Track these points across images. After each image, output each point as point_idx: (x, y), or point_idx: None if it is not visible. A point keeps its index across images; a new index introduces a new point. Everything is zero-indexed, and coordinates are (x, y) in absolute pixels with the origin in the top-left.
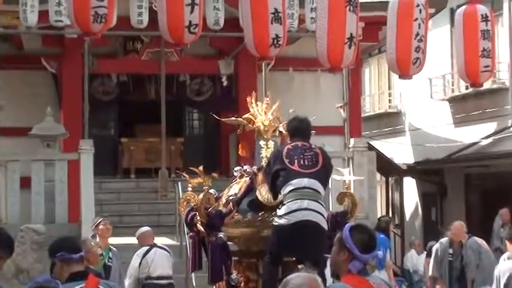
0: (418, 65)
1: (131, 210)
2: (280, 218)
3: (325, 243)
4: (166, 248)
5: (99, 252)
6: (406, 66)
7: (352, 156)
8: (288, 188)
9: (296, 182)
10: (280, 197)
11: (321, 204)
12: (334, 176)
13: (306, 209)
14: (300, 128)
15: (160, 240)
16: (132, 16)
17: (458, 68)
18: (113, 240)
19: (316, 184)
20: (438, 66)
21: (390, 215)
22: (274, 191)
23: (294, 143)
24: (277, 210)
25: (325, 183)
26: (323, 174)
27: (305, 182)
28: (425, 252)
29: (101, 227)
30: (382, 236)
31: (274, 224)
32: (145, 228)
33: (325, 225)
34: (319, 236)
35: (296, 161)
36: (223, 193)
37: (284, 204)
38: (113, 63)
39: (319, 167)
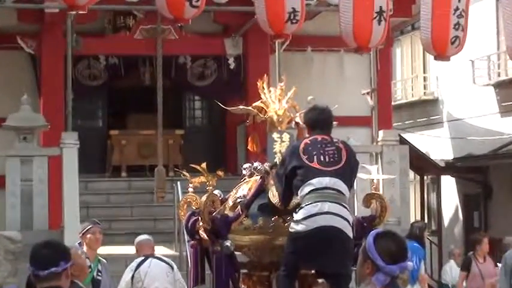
0: (457, 45)
1: (122, 214)
2: (298, 223)
3: (350, 253)
4: (166, 259)
5: (87, 264)
6: (443, 45)
7: (381, 151)
8: (307, 188)
9: (316, 182)
10: (296, 199)
11: (345, 208)
12: (360, 175)
13: (327, 212)
14: (319, 120)
15: (157, 250)
16: None
17: (507, 47)
18: (101, 250)
19: (339, 184)
20: (482, 45)
21: (425, 220)
22: (288, 195)
23: (312, 137)
24: (294, 214)
25: (349, 183)
26: (347, 172)
27: (326, 181)
28: None
29: (89, 235)
30: (415, 244)
31: (290, 230)
32: (143, 237)
33: (350, 232)
34: (343, 245)
35: (316, 157)
36: (230, 194)
37: (302, 208)
38: (101, 43)
39: (342, 163)
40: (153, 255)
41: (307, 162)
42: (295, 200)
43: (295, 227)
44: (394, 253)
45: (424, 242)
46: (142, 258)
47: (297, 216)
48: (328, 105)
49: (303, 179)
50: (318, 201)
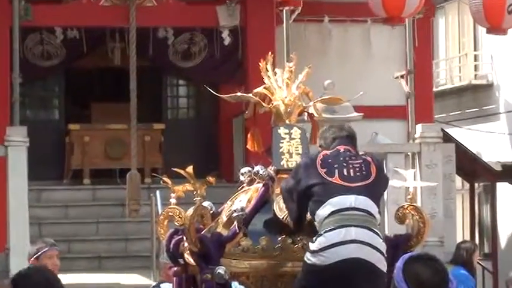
0: None
1: (85, 233)
2: (315, 254)
3: None
4: None
5: None
6: (498, 15)
7: (420, 151)
8: (326, 209)
9: (338, 201)
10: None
11: (377, 234)
12: (392, 182)
13: (353, 241)
14: (340, 134)
15: (130, 279)
16: None
17: None
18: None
19: (368, 203)
20: None
21: (476, 240)
22: (301, 215)
23: (333, 149)
24: (310, 243)
25: (379, 204)
26: (377, 189)
27: (351, 200)
28: None
29: (42, 260)
30: (462, 271)
31: (307, 262)
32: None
33: (383, 266)
34: (374, 284)
35: (337, 171)
36: (223, 207)
37: (321, 235)
38: (57, 12)
39: (372, 179)
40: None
41: (326, 177)
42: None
43: (311, 259)
44: (425, 282)
45: (473, 268)
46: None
47: (314, 245)
48: (347, 123)
49: (321, 198)
50: (342, 226)
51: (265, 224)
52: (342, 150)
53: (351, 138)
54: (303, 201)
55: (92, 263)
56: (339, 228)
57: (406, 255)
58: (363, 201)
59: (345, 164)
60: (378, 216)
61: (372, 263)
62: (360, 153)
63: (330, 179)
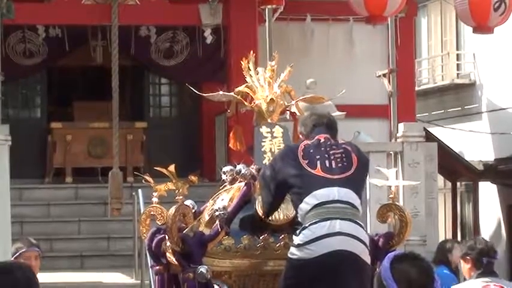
0: (502, 12)
1: (67, 231)
2: (300, 248)
3: (367, 284)
4: None
5: None
6: (483, 14)
7: (402, 150)
8: (310, 202)
9: (321, 194)
10: (293, 213)
11: (361, 226)
12: (373, 181)
13: (338, 233)
14: (321, 121)
15: (112, 277)
16: None
17: None
18: (39, 279)
19: (351, 195)
20: None
21: (459, 238)
22: (275, 204)
23: (313, 139)
24: (294, 236)
25: (361, 195)
26: (359, 180)
27: (334, 192)
28: None
29: (22, 260)
30: (445, 271)
31: (291, 257)
32: None
33: (367, 258)
34: (359, 275)
35: (319, 162)
36: (205, 206)
37: (305, 228)
38: (39, 10)
39: (353, 169)
40: None
41: (308, 168)
42: (288, 213)
43: (296, 253)
44: (414, 281)
45: (455, 267)
46: None
47: (299, 239)
48: (329, 112)
49: (303, 191)
50: (326, 219)
51: (247, 223)
52: (322, 139)
53: (330, 126)
54: (281, 190)
55: (74, 262)
56: (323, 220)
57: (391, 255)
58: (346, 194)
59: (326, 155)
60: (360, 208)
61: (357, 255)
62: (340, 141)
63: (312, 171)
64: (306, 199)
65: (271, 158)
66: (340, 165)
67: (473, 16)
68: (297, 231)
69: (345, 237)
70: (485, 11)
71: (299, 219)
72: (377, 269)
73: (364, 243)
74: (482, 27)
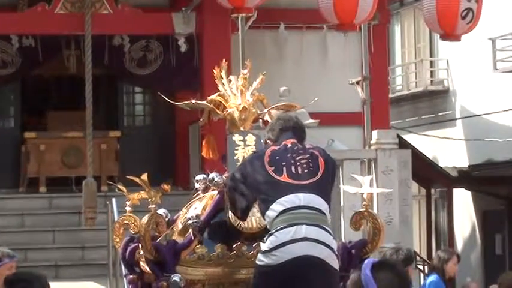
0: (470, 20)
1: (41, 241)
2: (266, 254)
3: None
4: None
5: None
6: (451, 21)
7: (376, 157)
8: (276, 209)
9: (287, 200)
10: (260, 221)
11: (327, 231)
12: (347, 188)
13: (304, 239)
14: (287, 125)
15: (87, 287)
16: None
17: None
18: None
19: (317, 201)
20: (504, 21)
21: (433, 245)
22: (246, 207)
23: (281, 144)
24: (261, 243)
25: (329, 199)
26: (326, 184)
27: (300, 198)
28: None
29: (5, 272)
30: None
31: (258, 264)
32: None
33: (335, 263)
34: (325, 280)
35: (285, 168)
36: (179, 215)
37: (271, 234)
38: (12, 19)
39: (320, 175)
40: None
41: (274, 175)
42: (261, 221)
43: (263, 260)
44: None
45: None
46: None
47: (266, 245)
48: (296, 115)
49: (269, 198)
50: (291, 225)
51: (220, 231)
52: (289, 145)
53: (297, 130)
54: (251, 194)
55: (49, 272)
56: (289, 226)
57: (369, 262)
58: (313, 199)
59: (292, 161)
60: (328, 213)
61: (323, 260)
62: (307, 146)
63: (278, 177)
64: (272, 206)
65: (238, 167)
66: (306, 170)
67: (440, 24)
68: (265, 238)
69: (310, 243)
70: (452, 19)
71: (268, 226)
72: (350, 276)
73: (331, 248)
74: (449, 35)
